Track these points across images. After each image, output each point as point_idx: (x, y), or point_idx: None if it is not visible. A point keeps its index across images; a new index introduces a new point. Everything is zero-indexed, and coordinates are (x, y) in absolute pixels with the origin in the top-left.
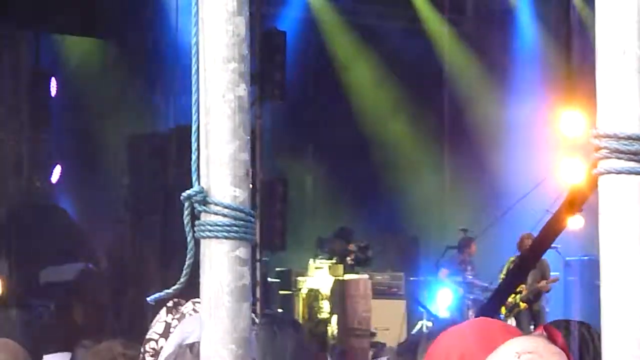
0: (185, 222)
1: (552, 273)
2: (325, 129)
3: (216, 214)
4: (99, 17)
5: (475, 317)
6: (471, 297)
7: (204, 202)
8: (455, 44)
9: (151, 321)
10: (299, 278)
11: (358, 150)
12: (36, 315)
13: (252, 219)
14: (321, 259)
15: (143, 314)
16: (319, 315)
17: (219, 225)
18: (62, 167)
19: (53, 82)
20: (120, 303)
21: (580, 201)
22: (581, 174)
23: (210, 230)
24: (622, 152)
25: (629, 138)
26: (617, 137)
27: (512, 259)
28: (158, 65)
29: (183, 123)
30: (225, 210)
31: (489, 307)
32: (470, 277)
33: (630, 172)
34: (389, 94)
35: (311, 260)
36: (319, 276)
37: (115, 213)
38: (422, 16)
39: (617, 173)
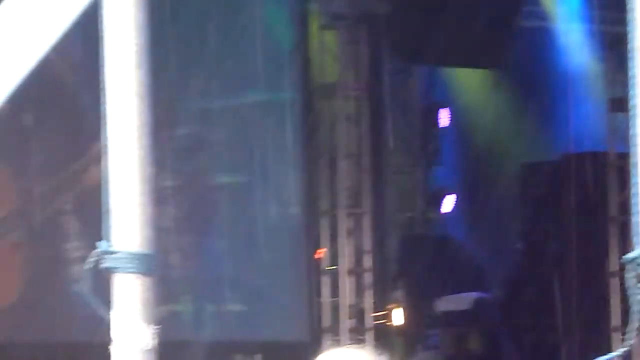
0: (630, 283)
1: None
2: None
3: None
4: (487, 49)
5: None
6: None
7: None
8: None
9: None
10: None
11: None
12: (433, 345)
13: None
14: None
15: (543, 347)
16: None
17: None
18: (454, 197)
19: (444, 113)
20: (517, 332)
21: None
22: None
23: None
24: None
25: None
26: None
27: None
28: (546, 94)
29: (574, 151)
30: None
31: None
32: None
33: None
34: None
35: None
36: None
37: (509, 242)
38: None
39: None
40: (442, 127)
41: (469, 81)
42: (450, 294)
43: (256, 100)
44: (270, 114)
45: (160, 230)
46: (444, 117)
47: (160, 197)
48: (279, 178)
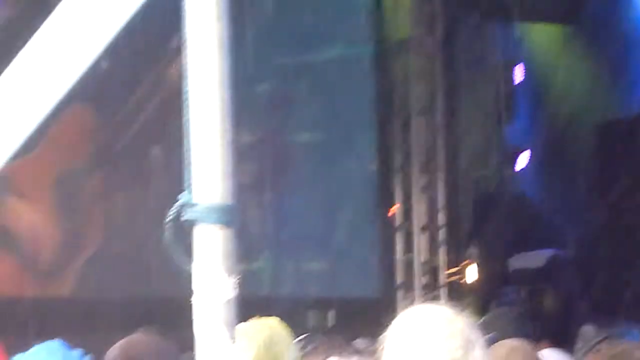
0: None
1: None
2: None
3: None
4: (561, 4)
5: None
6: None
7: None
8: None
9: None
10: None
11: None
12: (508, 302)
13: None
14: None
15: (619, 305)
16: None
17: None
18: (528, 154)
19: (518, 70)
20: (591, 291)
21: None
22: None
23: None
24: None
25: None
26: None
27: None
28: (622, 50)
29: None
30: None
31: None
32: None
33: None
34: None
35: None
36: None
37: (584, 200)
38: None
39: None
40: (516, 84)
41: (544, 37)
42: (525, 252)
43: (330, 57)
44: (344, 70)
45: (239, 186)
46: (519, 74)
47: (239, 153)
48: (353, 135)
